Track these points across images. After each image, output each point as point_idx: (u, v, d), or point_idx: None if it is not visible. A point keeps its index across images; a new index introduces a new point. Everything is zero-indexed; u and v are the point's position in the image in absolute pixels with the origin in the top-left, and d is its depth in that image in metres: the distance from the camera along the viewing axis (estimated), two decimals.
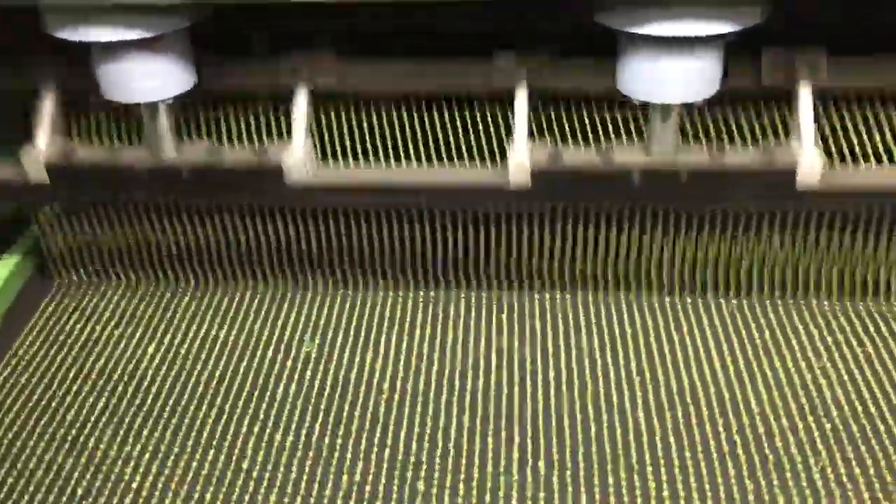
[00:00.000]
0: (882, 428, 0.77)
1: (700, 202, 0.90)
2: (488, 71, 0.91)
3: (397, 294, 0.96)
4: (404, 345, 0.89)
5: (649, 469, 0.74)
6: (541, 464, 0.75)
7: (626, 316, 0.92)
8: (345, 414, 0.81)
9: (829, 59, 0.88)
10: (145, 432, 0.80)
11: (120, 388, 0.85)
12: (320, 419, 0.80)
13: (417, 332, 0.91)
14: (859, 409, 0.79)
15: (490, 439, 0.78)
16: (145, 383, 0.85)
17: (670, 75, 0.80)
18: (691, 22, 0.76)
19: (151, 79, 0.85)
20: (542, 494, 0.72)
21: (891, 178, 0.87)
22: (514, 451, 0.76)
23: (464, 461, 0.76)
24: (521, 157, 0.88)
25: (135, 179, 0.92)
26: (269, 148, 0.91)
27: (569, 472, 0.74)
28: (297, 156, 0.90)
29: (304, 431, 0.79)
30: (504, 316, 0.93)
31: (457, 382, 0.84)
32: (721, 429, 0.78)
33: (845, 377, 0.82)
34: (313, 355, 0.88)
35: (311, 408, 0.82)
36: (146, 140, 0.92)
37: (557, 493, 0.72)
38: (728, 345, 0.87)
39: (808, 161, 0.85)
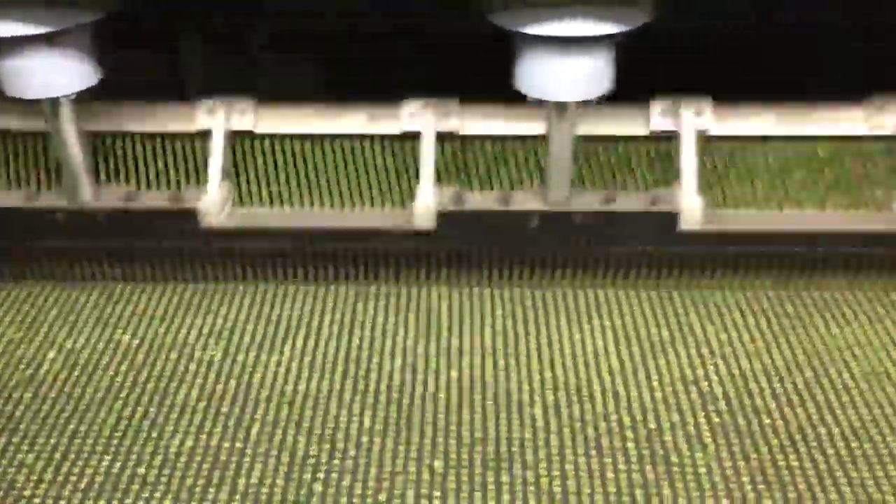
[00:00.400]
0: (767, 422, 0.80)
1: (592, 244, 0.95)
2: (397, 114, 0.97)
3: (307, 294, 0.97)
4: (310, 346, 0.90)
5: (542, 466, 0.76)
6: (437, 463, 0.76)
7: (530, 313, 0.93)
8: (246, 417, 0.81)
9: (714, 105, 0.94)
10: (41, 440, 0.79)
11: (16, 395, 0.84)
12: (220, 424, 0.80)
13: (325, 331, 0.92)
14: (747, 403, 0.82)
15: (389, 439, 0.79)
16: (43, 389, 0.84)
17: (563, 73, 0.83)
18: (581, 22, 0.78)
19: (52, 74, 0.84)
20: (436, 493, 0.73)
21: (771, 224, 0.93)
22: (412, 451, 0.77)
23: (361, 462, 0.76)
24: (427, 200, 0.93)
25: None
26: (185, 191, 0.95)
27: (465, 471, 0.76)
28: (212, 198, 0.92)
29: (203, 436, 0.79)
30: (412, 315, 0.94)
31: (360, 383, 0.85)
32: (614, 424, 0.80)
33: (735, 372, 0.85)
34: (216, 359, 0.88)
35: (212, 412, 0.82)
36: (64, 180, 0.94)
37: (453, 491, 0.74)
38: (626, 341, 0.90)
39: (689, 205, 0.91)
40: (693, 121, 0.95)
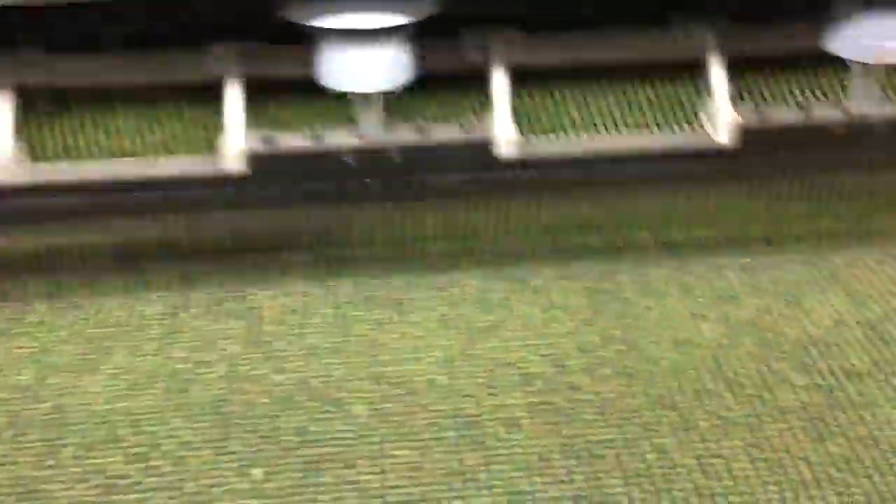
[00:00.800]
0: (580, 397, 0.82)
1: (410, 176, 0.94)
2: (201, 60, 0.93)
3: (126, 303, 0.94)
4: (129, 362, 0.87)
5: (363, 464, 0.76)
6: (256, 471, 0.76)
7: (349, 310, 0.94)
8: (56, 442, 0.78)
9: (525, 38, 0.95)
10: None
11: None
12: (30, 451, 0.77)
13: (145, 346, 0.89)
14: (563, 381, 0.84)
15: (208, 452, 0.77)
16: None
17: (363, 65, 0.83)
18: (372, 14, 0.79)
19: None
20: (254, 502, 0.73)
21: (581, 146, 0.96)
22: (231, 462, 0.76)
23: (177, 478, 0.75)
24: (237, 143, 0.91)
25: None
26: None
27: (282, 476, 0.75)
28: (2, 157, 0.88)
29: (8, 465, 0.76)
30: (233, 321, 0.92)
31: (179, 397, 0.83)
32: (436, 415, 0.81)
33: (557, 353, 0.88)
34: (29, 384, 0.85)
35: (21, 440, 0.79)
36: None
37: (271, 499, 0.73)
38: (447, 329, 0.91)
39: (504, 135, 0.92)
40: (504, 52, 0.95)
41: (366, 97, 0.87)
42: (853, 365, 0.85)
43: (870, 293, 0.94)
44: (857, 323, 0.90)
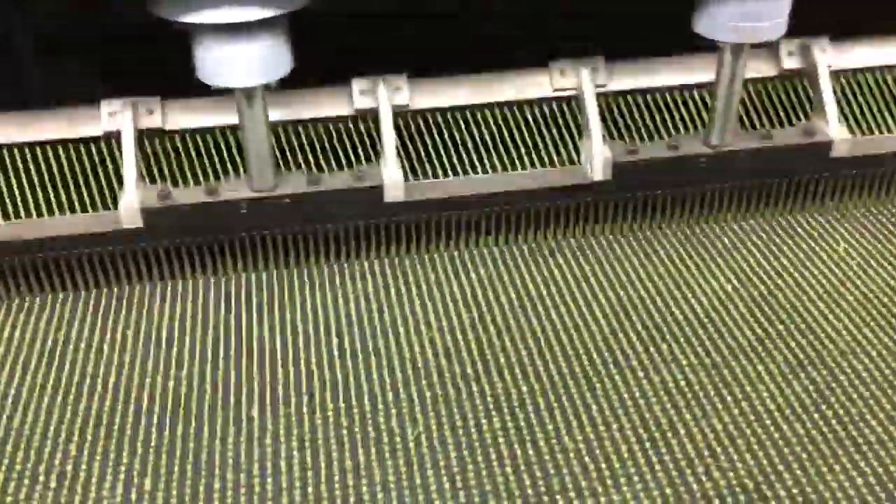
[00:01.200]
0: (476, 389, 0.83)
1: (301, 224, 0.97)
2: (96, 115, 0.95)
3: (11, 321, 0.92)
4: (14, 377, 0.85)
5: (256, 467, 0.76)
6: (147, 481, 0.75)
7: (245, 307, 0.93)
8: None
9: (411, 81, 0.99)
10: None
11: None
12: None
13: (33, 363, 0.87)
14: (458, 374, 0.85)
15: (96, 465, 0.76)
16: None
17: (242, 59, 0.83)
18: (244, 7, 0.79)
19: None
20: None
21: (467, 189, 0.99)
22: (120, 473, 0.75)
23: (65, 492, 0.73)
24: (131, 198, 0.92)
25: None
26: None
27: (175, 483, 0.74)
28: None
29: None
30: (123, 328, 0.91)
31: (67, 411, 0.81)
32: (331, 414, 0.81)
33: (450, 347, 0.88)
34: None
35: None
36: None
37: None
38: (349, 326, 0.91)
39: (392, 178, 0.95)
40: (390, 96, 0.98)
41: (248, 93, 0.87)
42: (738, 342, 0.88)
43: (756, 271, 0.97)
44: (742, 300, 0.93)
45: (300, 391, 0.83)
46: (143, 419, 0.80)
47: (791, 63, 1.05)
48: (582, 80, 1.01)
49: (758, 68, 1.05)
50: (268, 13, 0.79)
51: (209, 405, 0.81)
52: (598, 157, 0.98)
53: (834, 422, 0.78)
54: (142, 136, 0.96)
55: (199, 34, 0.82)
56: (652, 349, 0.87)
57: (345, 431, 0.79)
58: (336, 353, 0.87)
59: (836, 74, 1.05)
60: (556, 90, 1.01)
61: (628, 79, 1.04)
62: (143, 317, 0.92)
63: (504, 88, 1.02)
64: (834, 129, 1.02)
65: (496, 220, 1.01)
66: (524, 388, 0.83)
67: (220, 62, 0.82)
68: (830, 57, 1.04)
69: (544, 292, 0.94)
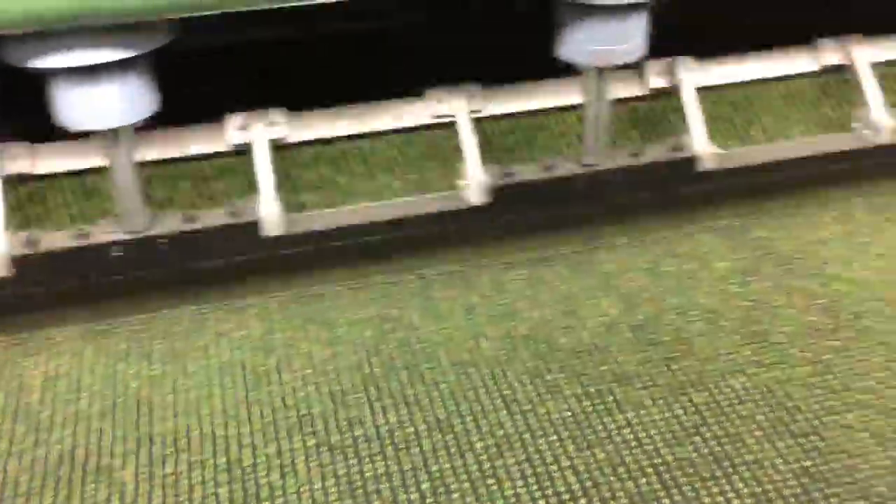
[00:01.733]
0: (359, 433, 0.81)
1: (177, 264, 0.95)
2: None
3: None
4: None
5: None
6: None
7: (126, 363, 0.90)
8: None
9: (287, 115, 0.99)
10: None
11: None
12: None
13: None
14: (342, 417, 0.83)
15: None
16: None
17: (101, 102, 0.81)
18: (99, 50, 0.77)
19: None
20: None
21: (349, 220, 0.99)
22: None
23: None
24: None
25: None
26: None
27: None
28: None
29: None
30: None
31: None
32: (209, 471, 0.78)
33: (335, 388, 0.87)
34: None
35: None
36: None
37: None
38: (230, 376, 0.88)
39: (268, 212, 0.94)
40: (266, 131, 0.97)
41: (112, 135, 0.85)
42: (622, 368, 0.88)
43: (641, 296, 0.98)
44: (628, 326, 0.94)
45: (178, 448, 0.81)
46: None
47: (658, 82, 1.09)
48: (458, 107, 1.01)
49: (627, 89, 1.09)
50: (124, 54, 0.77)
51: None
52: (474, 181, 0.99)
53: (713, 443, 0.79)
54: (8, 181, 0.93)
55: (54, 79, 0.79)
56: (538, 381, 0.87)
57: (222, 490, 0.77)
58: (219, 406, 0.85)
59: (701, 91, 1.09)
60: (434, 117, 1.02)
61: (504, 104, 1.05)
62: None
63: (383, 118, 1.02)
64: (700, 144, 1.05)
65: (378, 249, 1.01)
66: (410, 430, 0.82)
67: (73, 107, 0.80)
68: (696, 75, 1.08)
69: (437, 339, 0.93)
